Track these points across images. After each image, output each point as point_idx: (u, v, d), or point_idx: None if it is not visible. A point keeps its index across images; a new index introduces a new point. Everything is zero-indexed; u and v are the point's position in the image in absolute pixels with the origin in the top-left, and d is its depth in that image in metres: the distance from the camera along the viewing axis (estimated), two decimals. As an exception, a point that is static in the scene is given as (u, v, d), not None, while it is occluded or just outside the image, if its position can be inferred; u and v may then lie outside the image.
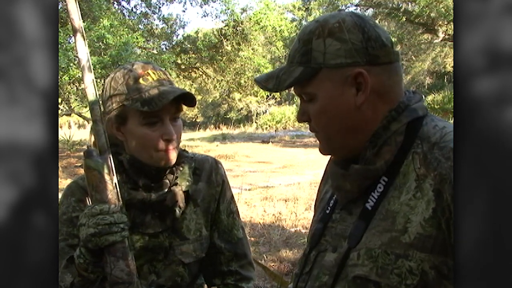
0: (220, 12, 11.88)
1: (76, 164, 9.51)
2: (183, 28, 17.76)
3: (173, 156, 1.19)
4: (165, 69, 1.41)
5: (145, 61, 1.24)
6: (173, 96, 1.13)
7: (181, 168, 1.25)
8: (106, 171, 1.04)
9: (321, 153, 0.95)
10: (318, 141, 0.94)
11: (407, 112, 0.87)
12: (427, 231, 0.78)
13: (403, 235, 0.80)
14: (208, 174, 1.32)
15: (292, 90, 0.97)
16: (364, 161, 0.88)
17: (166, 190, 1.22)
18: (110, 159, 1.05)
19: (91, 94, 1.04)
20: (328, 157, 1.01)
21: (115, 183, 1.06)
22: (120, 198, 1.06)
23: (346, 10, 0.92)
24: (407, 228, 0.80)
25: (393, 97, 0.88)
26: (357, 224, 0.87)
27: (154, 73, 1.19)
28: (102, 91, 1.23)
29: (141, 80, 1.17)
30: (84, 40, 1.03)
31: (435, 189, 0.79)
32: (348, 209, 0.91)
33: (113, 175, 1.05)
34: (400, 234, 0.81)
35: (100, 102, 1.16)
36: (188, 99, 1.18)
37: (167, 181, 1.22)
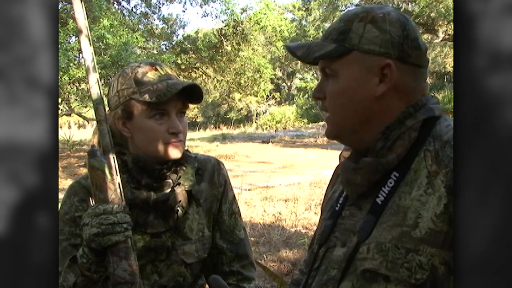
0: (220, 12, 11.89)
1: (79, 164, 9.51)
2: (183, 28, 17.83)
3: (178, 150, 1.20)
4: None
5: (152, 61, 1.28)
6: (181, 86, 1.15)
7: (184, 168, 1.25)
8: (109, 171, 1.04)
9: (327, 136, 0.96)
10: (326, 123, 0.95)
11: (424, 110, 0.89)
12: (438, 227, 0.79)
13: (414, 230, 0.81)
14: (211, 174, 1.32)
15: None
16: (374, 153, 0.88)
17: (169, 190, 1.22)
18: (114, 159, 1.05)
19: (96, 94, 1.04)
20: (332, 157, 1.02)
21: (119, 183, 1.06)
22: (123, 198, 1.07)
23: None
24: (418, 223, 0.81)
25: (412, 99, 0.89)
26: (367, 218, 0.87)
27: (161, 69, 1.21)
28: (109, 87, 1.24)
29: (149, 75, 1.19)
30: (89, 40, 1.03)
31: (446, 185, 0.80)
32: (357, 205, 0.92)
33: (117, 175, 1.06)
34: (411, 229, 0.81)
35: (106, 101, 1.17)
36: (195, 94, 1.19)
37: (170, 181, 1.23)
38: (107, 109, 1.23)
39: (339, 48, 0.89)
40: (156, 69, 1.20)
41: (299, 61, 1.08)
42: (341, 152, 1.00)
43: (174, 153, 1.19)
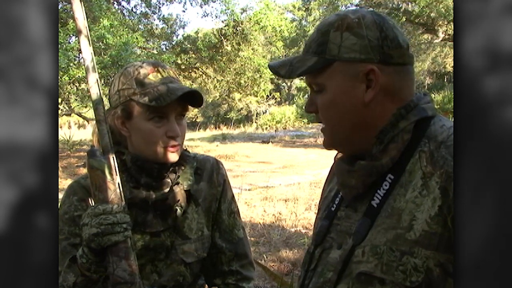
0: (220, 12, 11.88)
1: (78, 164, 9.51)
2: (183, 28, 17.81)
3: (175, 153, 1.20)
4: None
5: (155, 61, 1.26)
6: (181, 92, 1.14)
7: (183, 168, 1.25)
8: (109, 171, 1.04)
9: (325, 147, 0.96)
10: (322, 135, 0.95)
11: (416, 111, 0.88)
12: (433, 229, 0.79)
13: (408, 232, 0.80)
14: (210, 174, 1.33)
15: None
16: (370, 158, 0.88)
17: (167, 189, 1.22)
18: (114, 159, 1.05)
19: (95, 94, 1.04)
20: (332, 157, 1.02)
21: (118, 183, 1.06)
22: (123, 198, 1.07)
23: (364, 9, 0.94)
24: (412, 225, 0.80)
25: (403, 98, 0.89)
26: (362, 221, 0.87)
27: (163, 71, 1.21)
28: (110, 85, 1.24)
29: (150, 76, 1.18)
30: (88, 40, 1.03)
31: (441, 186, 0.80)
32: (353, 206, 0.91)
33: (116, 175, 1.06)
34: (405, 231, 0.81)
35: (107, 99, 1.16)
36: (195, 98, 1.19)
37: (169, 180, 1.23)
38: (109, 103, 1.23)
39: (320, 61, 0.88)
40: (158, 71, 1.20)
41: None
42: (336, 154, 1.00)
43: (171, 156, 1.19)
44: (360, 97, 0.87)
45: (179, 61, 12.20)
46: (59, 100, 9.49)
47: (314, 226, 1.05)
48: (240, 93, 14.88)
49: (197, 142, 14.53)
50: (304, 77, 0.93)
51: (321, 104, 0.91)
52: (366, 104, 0.87)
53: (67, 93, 10.00)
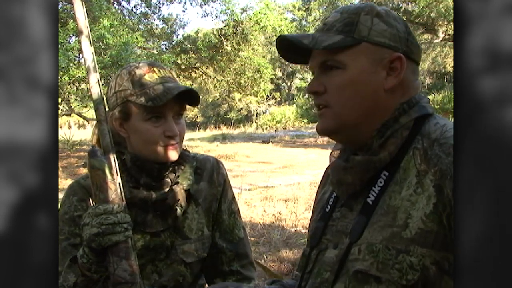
0: (220, 12, 11.89)
1: (78, 164, 9.51)
2: (183, 28, 17.83)
3: (174, 153, 1.20)
4: (166, 69, 1.43)
5: (151, 61, 1.27)
6: (177, 92, 1.14)
7: (182, 167, 1.25)
8: (110, 170, 1.04)
9: (322, 131, 0.92)
10: (320, 118, 0.91)
11: (417, 107, 0.89)
12: (428, 226, 0.79)
13: (404, 230, 0.80)
14: (210, 174, 1.33)
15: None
16: (367, 152, 0.88)
17: (167, 189, 1.22)
18: (114, 159, 1.06)
19: (96, 94, 1.04)
20: (328, 156, 1.01)
21: (119, 183, 1.06)
22: (124, 198, 1.07)
23: None
24: (408, 223, 0.80)
25: (409, 95, 0.90)
26: (358, 219, 0.87)
27: (159, 71, 1.21)
28: (108, 87, 1.24)
29: (146, 77, 1.19)
30: (90, 40, 1.04)
31: (436, 184, 0.80)
32: (349, 206, 0.91)
33: (117, 174, 1.06)
34: (401, 229, 0.81)
35: (105, 100, 1.17)
36: (191, 97, 1.19)
37: (169, 180, 1.23)
38: (107, 109, 1.23)
39: (348, 39, 0.87)
40: (154, 71, 1.20)
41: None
42: (331, 152, 0.98)
43: (171, 154, 1.20)
44: (380, 83, 0.87)
45: (179, 61, 12.20)
46: (59, 100, 9.48)
47: (309, 229, 1.04)
48: (240, 93, 14.88)
49: (197, 142, 14.53)
50: (315, 56, 0.90)
51: (337, 82, 0.88)
52: (385, 91, 0.87)
53: (67, 93, 10.00)
